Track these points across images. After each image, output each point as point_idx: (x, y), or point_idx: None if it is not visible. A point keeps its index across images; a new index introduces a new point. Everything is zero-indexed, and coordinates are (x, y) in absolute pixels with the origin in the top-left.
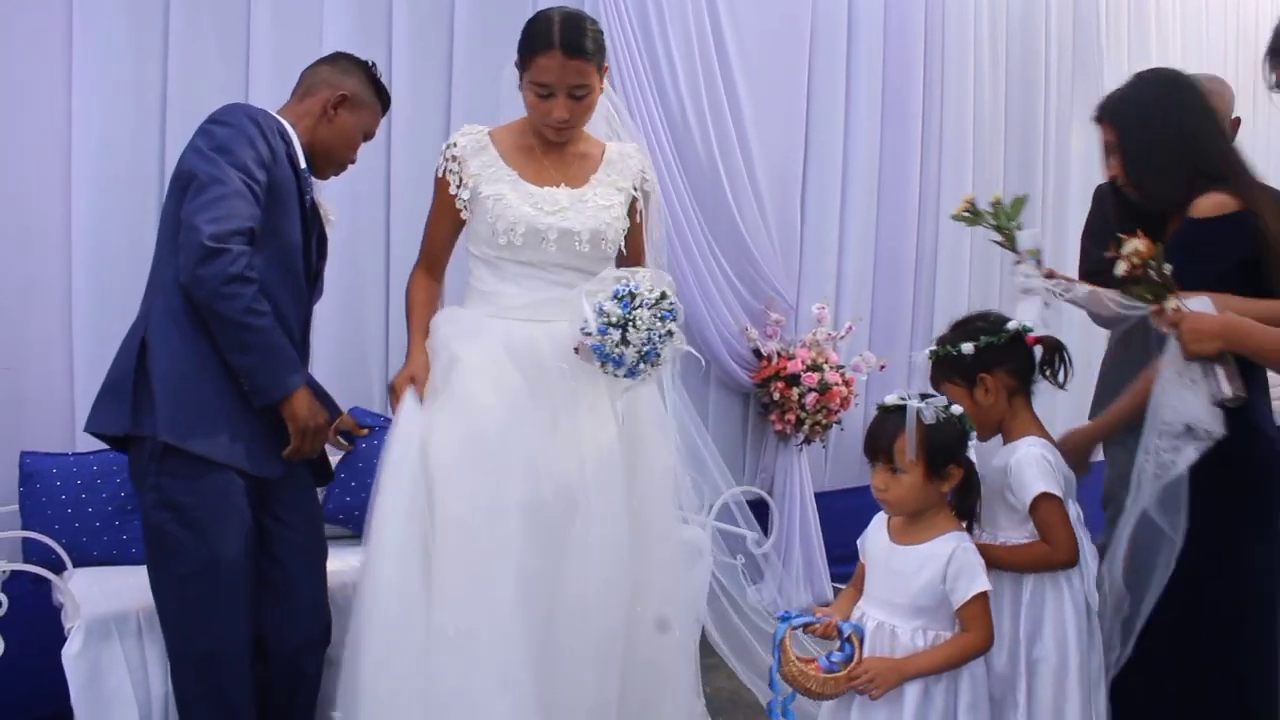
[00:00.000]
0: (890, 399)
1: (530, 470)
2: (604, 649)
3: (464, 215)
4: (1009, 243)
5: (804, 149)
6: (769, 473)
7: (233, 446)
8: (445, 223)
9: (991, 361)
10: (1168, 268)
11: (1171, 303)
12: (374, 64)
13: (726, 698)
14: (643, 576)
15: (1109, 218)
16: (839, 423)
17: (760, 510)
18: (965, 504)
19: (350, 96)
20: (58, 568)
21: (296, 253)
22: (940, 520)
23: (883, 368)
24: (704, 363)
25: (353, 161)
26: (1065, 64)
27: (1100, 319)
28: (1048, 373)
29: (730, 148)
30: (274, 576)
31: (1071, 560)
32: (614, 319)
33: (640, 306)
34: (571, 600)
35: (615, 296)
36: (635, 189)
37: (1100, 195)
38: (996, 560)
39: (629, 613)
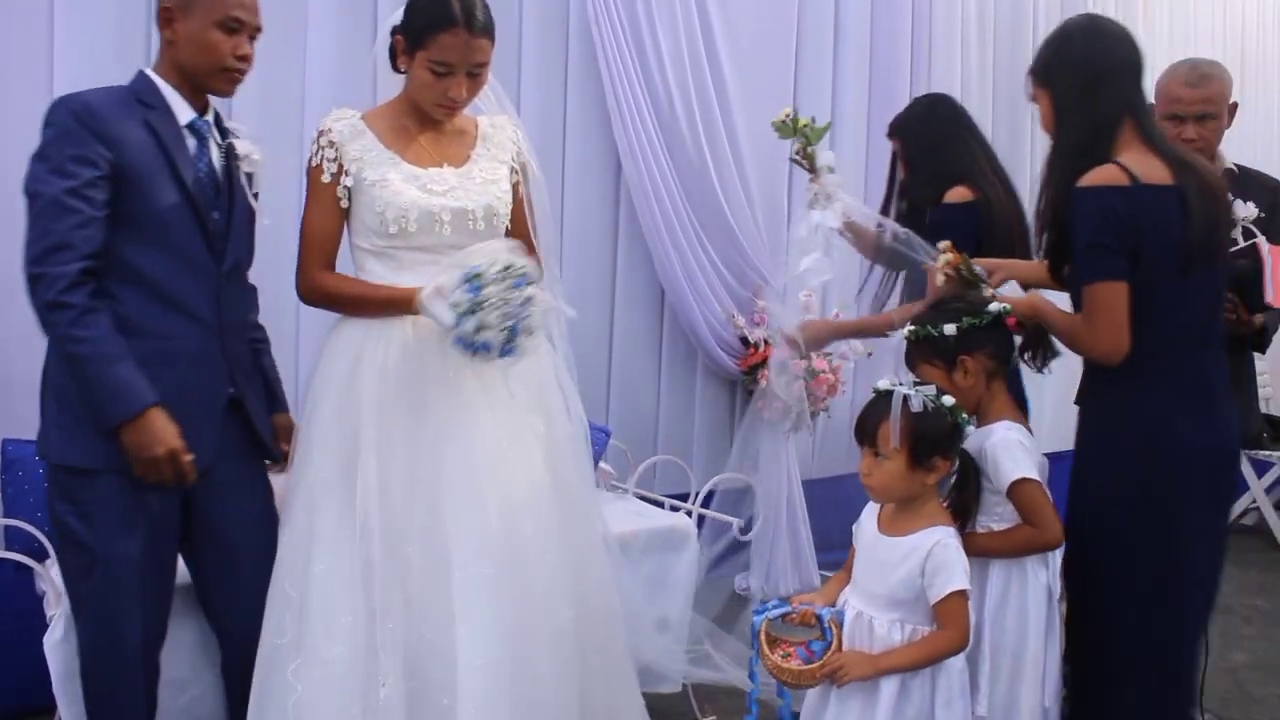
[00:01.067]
0: (882, 383)
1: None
2: (558, 654)
3: (344, 204)
4: (809, 161)
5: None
6: (755, 460)
7: (111, 450)
8: (329, 213)
9: (972, 343)
10: (977, 267)
11: (987, 293)
12: None
13: (711, 683)
14: (579, 573)
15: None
16: (826, 410)
17: (747, 498)
18: (961, 501)
19: (173, 6)
20: (40, 556)
21: (185, 226)
22: (928, 513)
23: (870, 355)
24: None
25: (240, 57)
26: None
27: (867, 251)
28: (1027, 356)
29: (717, 135)
30: (207, 574)
31: (1058, 539)
32: (464, 306)
33: (487, 284)
34: (518, 611)
35: (460, 283)
36: (514, 161)
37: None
38: (983, 548)
39: (578, 613)
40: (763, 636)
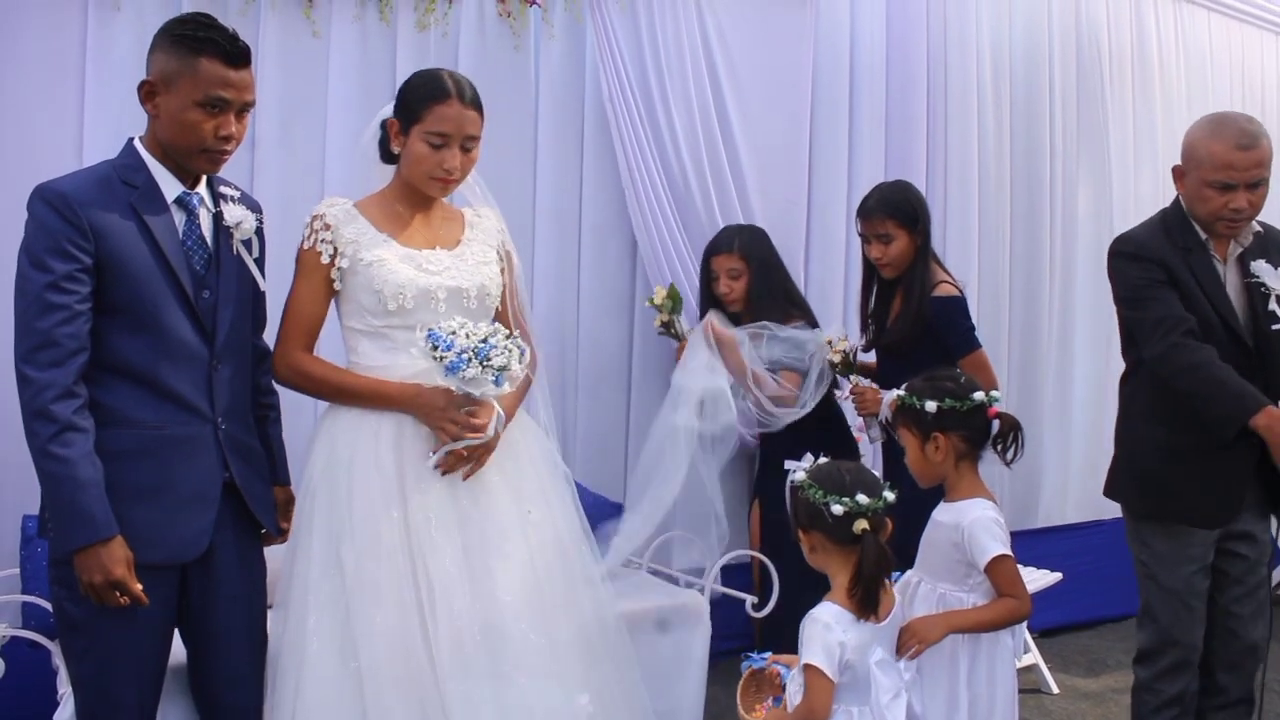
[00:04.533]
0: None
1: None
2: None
3: (337, 286)
4: (673, 329)
5: (806, 211)
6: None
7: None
8: (319, 295)
9: (948, 424)
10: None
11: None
12: (189, 17)
13: None
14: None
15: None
16: None
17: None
18: (860, 585)
19: (154, 80)
20: (56, 633)
21: (173, 313)
22: (834, 588)
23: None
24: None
25: (225, 137)
26: (1070, 122)
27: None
28: (999, 447)
29: (732, 211)
30: (197, 650)
31: (1031, 608)
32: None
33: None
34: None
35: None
36: (500, 248)
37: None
38: (974, 624)
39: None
40: (741, 682)
